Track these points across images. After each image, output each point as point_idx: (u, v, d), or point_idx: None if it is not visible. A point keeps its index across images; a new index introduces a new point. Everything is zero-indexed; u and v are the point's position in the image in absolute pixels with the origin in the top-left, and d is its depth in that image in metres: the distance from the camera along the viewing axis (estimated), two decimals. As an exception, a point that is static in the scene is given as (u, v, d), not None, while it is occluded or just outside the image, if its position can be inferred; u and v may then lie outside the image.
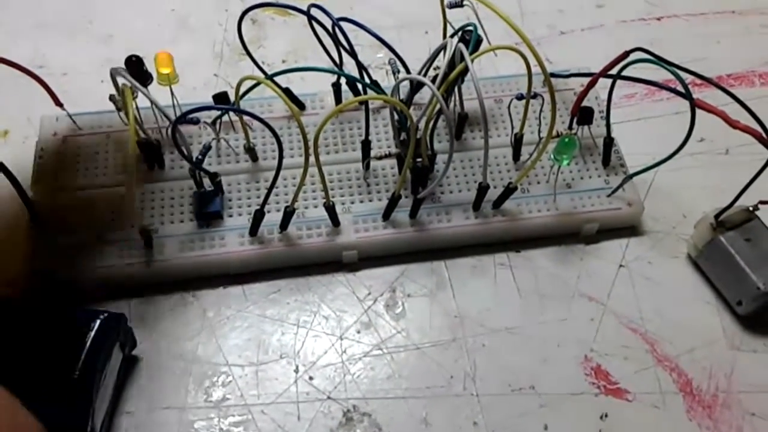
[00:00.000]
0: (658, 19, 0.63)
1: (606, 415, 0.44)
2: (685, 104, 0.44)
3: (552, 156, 0.47)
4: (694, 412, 0.45)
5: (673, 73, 0.44)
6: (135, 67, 0.45)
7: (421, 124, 0.45)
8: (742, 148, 0.53)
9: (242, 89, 0.45)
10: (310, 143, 0.43)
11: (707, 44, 0.61)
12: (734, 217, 0.48)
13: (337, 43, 0.48)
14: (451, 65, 0.44)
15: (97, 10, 0.62)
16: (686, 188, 0.53)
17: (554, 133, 0.48)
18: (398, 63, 0.49)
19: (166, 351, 0.46)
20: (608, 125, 0.50)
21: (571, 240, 0.51)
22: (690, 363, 0.46)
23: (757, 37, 0.62)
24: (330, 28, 0.47)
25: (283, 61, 0.58)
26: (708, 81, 0.45)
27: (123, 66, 0.44)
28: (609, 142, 0.51)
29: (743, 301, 0.47)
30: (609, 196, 0.50)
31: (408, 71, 0.50)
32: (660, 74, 0.46)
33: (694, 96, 0.44)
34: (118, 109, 0.47)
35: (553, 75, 0.54)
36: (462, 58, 0.43)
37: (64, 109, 0.50)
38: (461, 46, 0.43)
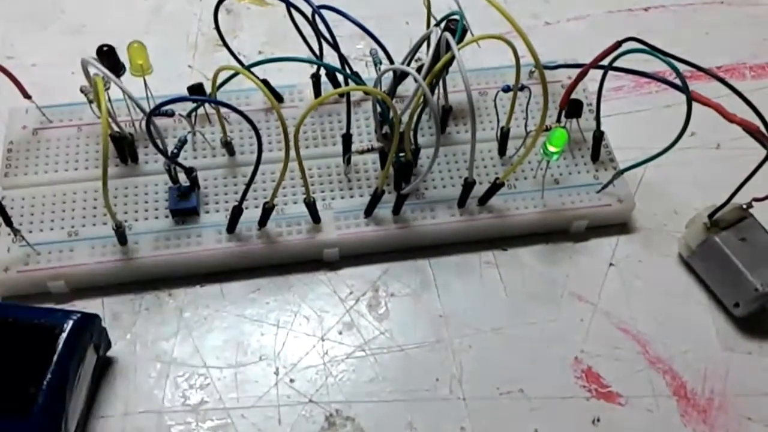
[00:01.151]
0: (646, 9, 0.62)
1: (598, 420, 0.43)
2: (675, 97, 0.43)
3: (541, 150, 0.46)
4: (688, 417, 0.43)
5: (669, 64, 0.42)
6: (107, 57, 0.43)
7: (405, 118, 0.44)
8: (734, 143, 0.52)
9: (219, 80, 0.44)
10: (291, 137, 0.41)
11: (696, 36, 0.60)
12: (728, 216, 0.46)
13: (317, 32, 0.46)
14: (437, 55, 0.42)
15: (68, -1, 0.60)
16: (677, 184, 0.52)
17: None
18: (380, 53, 0.48)
19: (141, 352, 0.44)
20: (598, 118, 0.49)
21: (560, 237, 0.49)
22: (683, 365, 0.45)
23: (746, 28, 0.61)
24: (310, 16, 0.45)
25: (260, 53, 0.57)
26: (705, 72, 0.44)
27: (95, 56, 0.42)
28: (599, 136, 0.50)
29: (740, 303, 0.45)
30: (599, 192, 0.49)
31: (392, 62, 0.48)
32: (650, 66, 0.45)
33: (672, 85, 0.43)
34: (90, 101, 0.45)
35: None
36: (447, 48, 0.42)
37: (32, 101, 0.48)
38: (447, 35, 0.41)
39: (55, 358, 0.38)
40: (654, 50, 0.44)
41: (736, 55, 0.59)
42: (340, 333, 0.45)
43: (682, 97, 0.42)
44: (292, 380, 0.44)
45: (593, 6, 0.62)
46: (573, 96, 0.49)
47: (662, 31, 0.60)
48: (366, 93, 0.49)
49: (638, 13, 0.62)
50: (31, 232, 0.45)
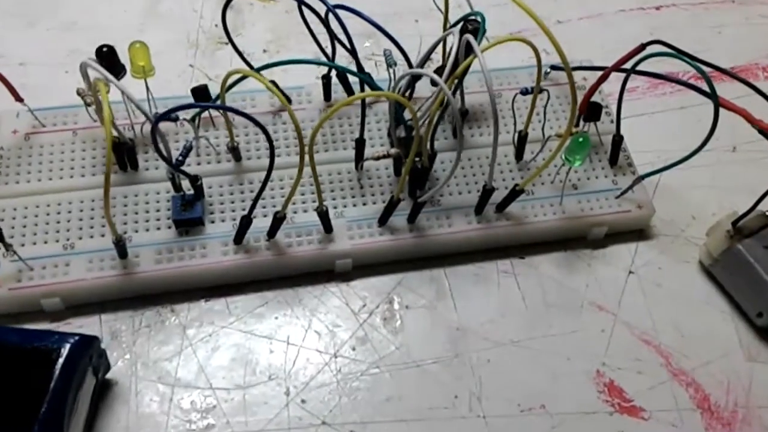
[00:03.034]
0: (657, 8, 0.61)
1: (622, 436, 0.42)
2: (690, 98, 0.43)
3: (563, 156, 0.44)
4: (713, 431, 0.42)
5: (696, 68, 0.41)
6: (107, 58, 0.41)
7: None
8: (750, 146, 0.51)
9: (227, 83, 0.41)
10: (306, 141, 0.39)
11: (708, 35, 0.59)
12: (750, 223, 0.45)
13: (331, 33, 0.44)
14: (458, 57, 0.40)
15: (59, -6, 0.58)
16: (694, 188, 0.51)
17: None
18: (394, 55, 0.46)
19: (143, 373, 0.42)
20: (618, 122, 0.48)
21: (578, 244, 0.48)
22: (707, 377, 0.44)
23: (758, 27, 0.60)
24: (323, 15, 0.43)
25: (264, 51, 0.55)
26: (729, 74, 0.43)
27: (93, 57, 0.40)
28: (618, 140, 0.48)
29: (764, 312, 0.44)
30: (618, 197, 0.47)
31: (410, 64, 0.46)
32: (663, 67, 0.43)
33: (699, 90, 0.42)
34: (87, 104, 0.43)
35: (555, 68, 0.51)
36: (467, 51, 0.40)
37: (24, 104, 0.46)
38: (470, 37, 0.39)
39: (51, 385, 0.36)
40: (681, 54, 0.42)
41: (749, 55, 0.58)
42: (354, 349, 0.43)
43: (697, 99, 0.42)
44: (303, 401, 0.42)
45: (605, 4, 0.61)
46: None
47: (674, 30, 0.59)
48: (385, 98, 0.46)
49: (650, 11, 0.60)
50: (23, 245, 0.43)
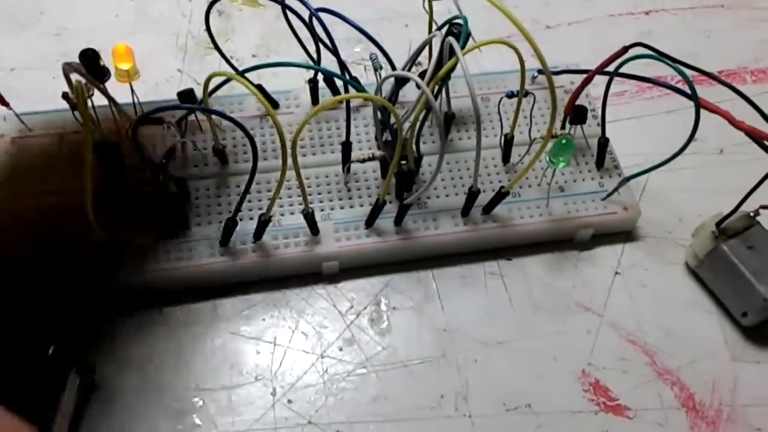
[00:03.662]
0: (647, 13, 0.61)
1: (607, 435, 0.42)
2: (678, 102, 0.42)
3: (547, 158, 0.44)
4: (698, 429, 0.42)
5: (677, 70, 0.41)
6: (90, 61, 0.41)
7: (406, 125, 0.42)
8: (737, 148, 0.51)
9: (211, 86, 0.42)
10: (287, 144, 0.39)
11: (697, 40, 0.59)
12: (735, 224, 0.45)
13: (315, 36, 0.44)
14: (440, 61, 0.41)
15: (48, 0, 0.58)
16: (680, 190, 0.51)
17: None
18: (380, 59, 0.46)
19: (128, 376, 0.42)
20: (603, 125, 0.48)
21: (565, 246, 0.48)
22: (692, 376, 0.44)
23: (747, 32, 0.60)
24: (307, 19, 0.43)
25: (253, 56, 0.55)
26: (714, 78, 0.43)
27: (77, 61, 0.41)
28: (604, 142, 0.48)
29: (749, 312, 0.44)
30: (604, 199, 0.47)
31: (393, 67, 0.46)
32: (652, 70, 0.44)
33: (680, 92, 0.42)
34: (73, 108, 0.43)
35: (542, 72, 0.51)
36: (450, 54, 0.40)
37: (10, 109, 0.46)
38: (452, 40, 0.40)
39: (35, 388, 0.36)
40: (662, 56, 0.42)
41: (738, 60, 0.58)
42: (341, 349, 0.44)
43: (685, 103, 0.41)
44: (290, 401, 0.42)
45: (594, 10, 0.61)
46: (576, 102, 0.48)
47: (663, 34, 0.59)
48: (367, 100, 0.47)
49: (639, 16, 0.61)
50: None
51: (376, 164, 0.47)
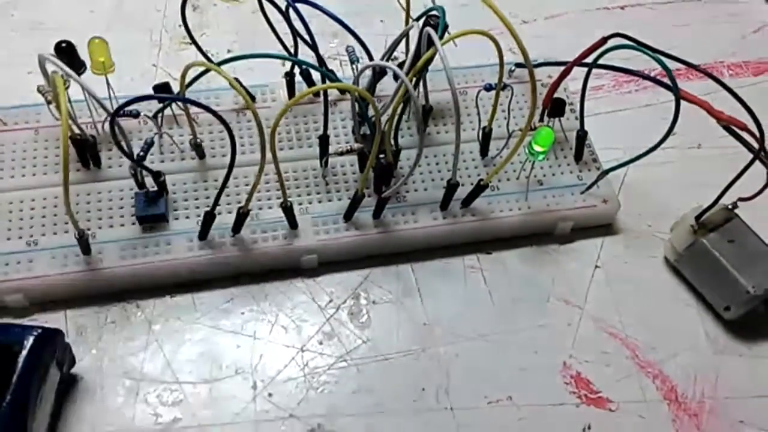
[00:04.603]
0: (622, 7, 0.61)
1: (589, 427, 0.42)
2: (655, 95, 0.43)
3: (526, 150, 0.44)
4: (680, 421, 0.42)
5: (658, 61, 0.41)
6: (66, 54, 0.40)
7: (385, 118, 0.42)
8: (715, 142, 0.51)
9: (188, 78, 0.41)
10: (267, 137, 0.39)
11: (673, 34, 0.59)
12: (714, 218, 0.45)
13: (292, 28, 0.44)
14: (418, 51, 0.41)
15: (22, -6, 0.57)
16: (659, 184, 0.51)
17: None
18: (356, 51, 0.46)
19: (109, 369, 0.42)
20: (582, 117, 0.48)
21: (544, 240, 0.48)
22: (674, 369, 0.44)
23: (724, 26, 0.61)
24: (284, 10, 0.43)
25: (229, 51, 0.55)
26: (695, 68, 0.43)
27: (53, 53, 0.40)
28: (582, 135, 0.48)
29: (731, 306, 0.44)
30: (583, 192, 0.48)
31: (372, 59, 0.46)
32: (631, 64, 0.44)
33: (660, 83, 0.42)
34: (48, 102, 0.43)
35: (519, 65, 0.51)
36: (428, 45, 0.40)
37: (-14, 103, 0.45)
38: (430, 30, 0.40)
39: (14, 378, 0.36)
40: (642, 46, 0.42)
41: (714, 54, 0.58)
42: (321, 343, 0.43)
43: (663, 96, 0.42)
44: (270, 394, 0.41)
45: (569, 4, 0.61)
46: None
47: (640, 29, 0.57)
48: (345, 91, 0.46)
49: (615, 11, 0.61)
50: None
51: (353, 158, 0.47)
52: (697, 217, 0.45)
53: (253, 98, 0.48)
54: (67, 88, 0.39)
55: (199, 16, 0.57)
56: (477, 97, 0.48)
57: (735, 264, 0.44)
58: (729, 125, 0.41)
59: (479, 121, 0.48)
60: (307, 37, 0.44)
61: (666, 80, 0.41)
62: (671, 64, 0.42)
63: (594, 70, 0.46)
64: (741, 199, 0.45)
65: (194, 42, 0.45)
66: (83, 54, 0.42)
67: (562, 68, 0.47)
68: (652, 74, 0.45)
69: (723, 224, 0.45)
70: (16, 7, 0.56)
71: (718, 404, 0.43)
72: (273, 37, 0.46)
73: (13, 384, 0.35)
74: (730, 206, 0.45)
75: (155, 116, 0.45)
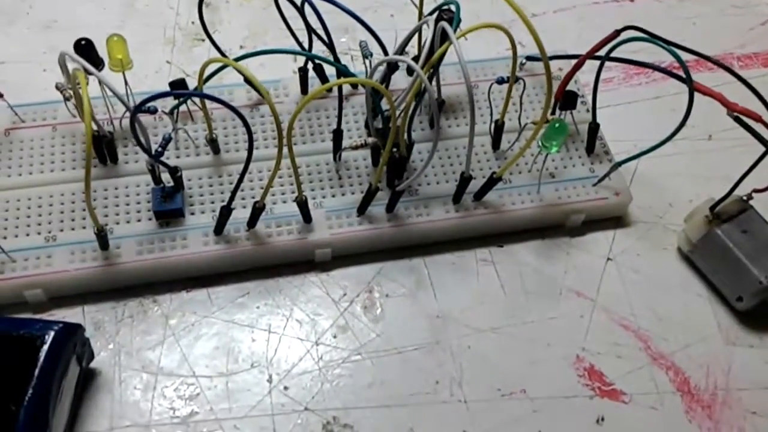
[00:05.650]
0: (632, 0, 0.61)
1: (602, 419, 0.42)
2: (666, 88, 0.43)
3: (540, 143, 0.44)
4: (693, 413, 0.42)
5: (671, 53, 0.41)
6: (85, 51, 0.41)
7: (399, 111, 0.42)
8: (726, 134, 0.52)
9: (206, 73, 0.42)
10: (284, 132, 0.39)
11: (683, 26, 0.59)
12: (728, 208, 0.45)
13: (307, 23, 0.44)
14: (433, 45, 0.41)
15: (36, -7, 0.58)
16: (670, 176, 0.51)
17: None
18: (369, 46, 0.46)
19: (126, 363, 0.42)
20: (594, 110, 0.48)
21: (556, 232, 0.48)
22: (686, 360, 0.44)
23: (732, 18, 0.61)
24: (299, 5, 0.43)
25: (241, 47, 0.55)
26: (709, 60, 0.43)
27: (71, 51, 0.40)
28: (594, 128, 0.48)
29: (744, 296, 0.44)
30: (595, 185, 0.48)
31: (386, 53, 0.46)
32: (642, 57, 0.44)
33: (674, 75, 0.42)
34: (66, 99, 0.43)
35: (530, 58, 0.52)
36: (442, 39, 0.40)
37: (4, 100, 0.46)
38: (445, 24, 0.40)
39: (36, 372, 0.36)
40: (656, 39, 0.42)
41: (724, 46, 0.58)
42: (335, 336, 0.44)
43: (672, 89, 0.42)
44: (286, 387, 0.42)
45: (578, -3, 0.61)
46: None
47: (649, 21, 0.57)
48: (360, 85, 0.47)
49: (624, 4, 0.61)
50: (5, 238, 0.43)
51: (366, 152, 0.47)
52: (712, 208, 0.45)
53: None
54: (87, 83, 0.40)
55: (211, 13, 0.57)
56: (489, 90, 0.48)
57: (748, 254, 0.44)
58: (743, 116, 0.41)
59: (491, 114, 0.48)
60: (322, 32, 0.44)
61: (679, 72, 0.41)
62: (683, 57, 0.42)
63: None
64: (756, 191, 0.45)
65: (210, 38, 0.45)
66: (101, 52, 0.42)
67: (572, 61, 0.47)
68: (662, 66, 0.45)
69: (737, 215, 0.45)
70: (31, 6, 0.57)
71: (731, 395, 0.43)
72: (284, 33, 0.47)
73: (35, 378, 0.36)
74: (744, 197, 0.45)
75: (171, 112, 0.45)
